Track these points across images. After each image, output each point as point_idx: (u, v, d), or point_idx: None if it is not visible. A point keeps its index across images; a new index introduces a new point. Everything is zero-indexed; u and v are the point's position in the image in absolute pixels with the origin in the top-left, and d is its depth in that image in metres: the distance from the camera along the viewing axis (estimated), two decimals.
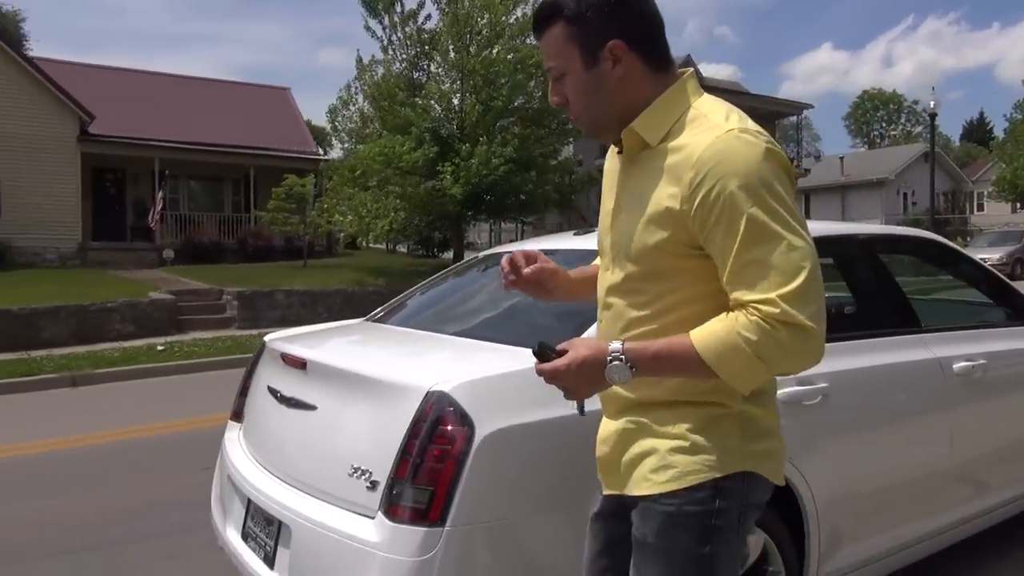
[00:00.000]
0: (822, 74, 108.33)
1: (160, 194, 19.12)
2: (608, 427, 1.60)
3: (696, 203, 1.35)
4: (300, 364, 2.51)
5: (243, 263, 18.67)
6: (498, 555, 1.99)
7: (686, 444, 1.46)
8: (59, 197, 18.55)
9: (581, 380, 1.39)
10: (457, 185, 15.46)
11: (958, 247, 3.47)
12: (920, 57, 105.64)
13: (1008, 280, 3.66)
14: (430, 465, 1.98)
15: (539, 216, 18.96)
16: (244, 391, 3.12)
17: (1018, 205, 40.52)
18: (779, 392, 2.46)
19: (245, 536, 2.61)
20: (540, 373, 1.42)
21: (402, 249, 26.86)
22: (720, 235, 1.34)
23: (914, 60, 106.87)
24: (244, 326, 13.54)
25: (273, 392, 2.64)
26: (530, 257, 1.74)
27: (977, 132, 68.28)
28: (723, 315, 1.37)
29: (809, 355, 1.36)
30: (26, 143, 18.02)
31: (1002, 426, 3.31)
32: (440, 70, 17.86)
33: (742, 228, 1.32)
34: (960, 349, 3.15)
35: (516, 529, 2.02)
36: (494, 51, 16.51)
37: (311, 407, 2.40)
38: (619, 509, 1.60)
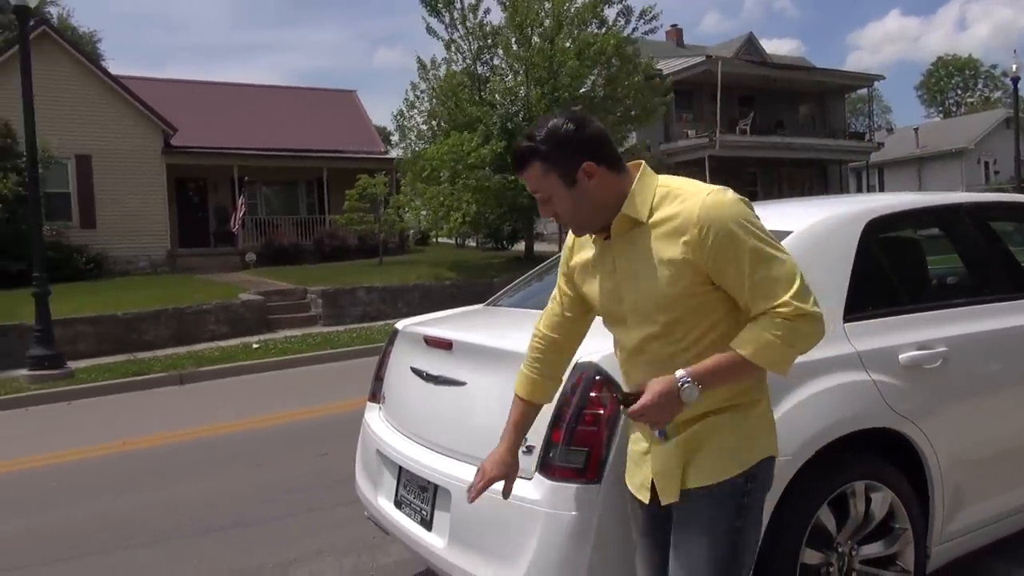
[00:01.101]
0: (891, 43, 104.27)
1: (241, 199, 19.91)
2: (657, 452, 1.85)
3: (707, 249, 1.69)
4: (446, 345, 2.74)
5: (320, 263, 19.30)
6: None
7: (728, 443, 1.80)
8: (148, 207, 19.51)
9: (663, 409, 1.70)
10: None
11: None
12: (997, 17, 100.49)
13: None
14: (584, 429, 2.17)
15: None
16: (379, 375, 3.37)
17: None
18: (901, 357, 2.59)
19: (398, 504, 2.86)
20: (631, 416, 1.74)
21: (471, 243, 27.23)
22: (732, 267, 1.69)
23: (990, 21, 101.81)
24: (329, 323, 14.05)
25: (418, 372, 2.87)
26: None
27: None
28: (749, 325, 1.72)
29: (819, 332, 1.72)
30: (117, 158, 19.02)
31: None
32: (503, 64, 18.05)
33: (747, 258, 1.68)
34: None
35: None
36: (556, 41, 16.60)
37: (460, 383, 2.62)
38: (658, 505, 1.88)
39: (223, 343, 12.23)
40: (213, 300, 13.50)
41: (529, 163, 1.77)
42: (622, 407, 1.75)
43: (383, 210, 18.99)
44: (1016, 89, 21.87)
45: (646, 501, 1.88)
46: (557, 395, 2.20)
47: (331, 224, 21.19)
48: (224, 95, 23.43)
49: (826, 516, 2.41)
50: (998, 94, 62.47)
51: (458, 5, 17.99)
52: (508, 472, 2.05)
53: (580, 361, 2.23)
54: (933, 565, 2.72)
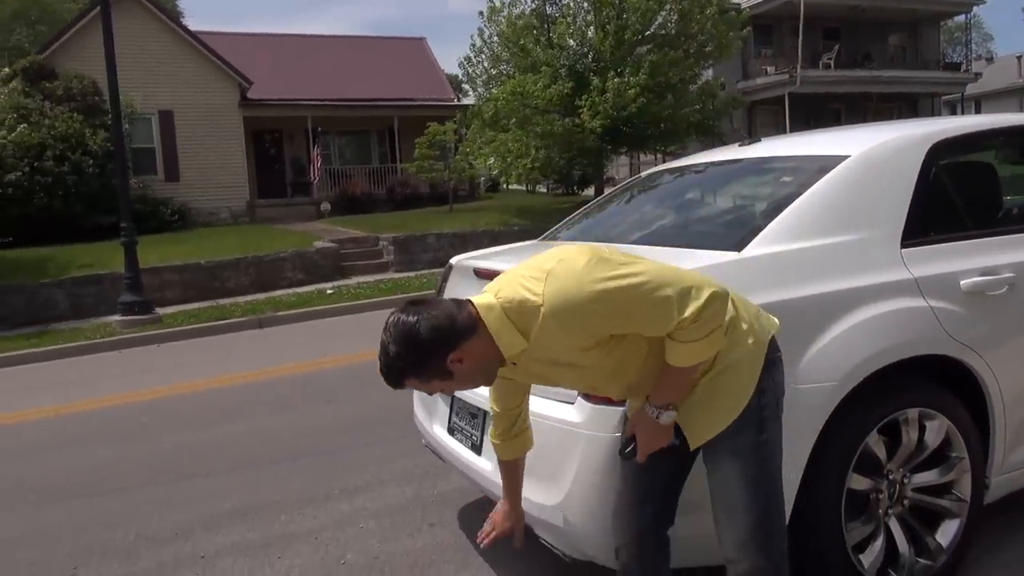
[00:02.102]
0: None
1: (316, 150, 20.29)
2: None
3: (586, 332, 1.75)
4: (494, 276, 2.77)
5: (393, 211, 19.58)
6: None
7: (719, 390, 1.90)
8: (228, 160, 20.11)
9: (658, 438, 1.91)
10: (596, 119, 15.39)
11: None
12: None
13: None
14: None
15: (681, 145, 18.54)
16: None
17: None
18: (963, 283, 2.51)
19: (451, 431, 2.96)
20: (642, 459, 1.93)
21: (542, 189, 27.11)
22: (615, 328, 1.77)
23: None
24: (401, 269, 14.33)
25: None
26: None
27: None
28: (667, 342, 1.79)
29: (721, 303, 1.76)
30: (197, 112, 19.60)
31: None
32: (572, 2, 17.65)
33: (619, 322, 1.74)
34: None
35: None
36: None
37: None
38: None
39: (299, 289, 12.66)
40: (290, 248, 13.92)
41: (404, 380, 1.80)
42: (627, 458, 1.98)
43: (453, 157, 19.06)
44: None
45: (691, 446, 1.98)
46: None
47: (402, 172, 21.40)
48: (296, 47, 23.72)
49: (876, 443, 2.38)
50: None
51: None
52: (516, 523, 2.24)
53: None
54: (992, 496, 2.66)
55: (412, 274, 13.63)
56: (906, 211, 2.55)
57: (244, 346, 9.02)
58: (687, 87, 17.12)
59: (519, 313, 1.74)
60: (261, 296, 12.21)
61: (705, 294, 1.72)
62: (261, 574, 3.15)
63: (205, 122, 19.68)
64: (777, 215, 2.45)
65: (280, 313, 10.59)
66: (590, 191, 22.80)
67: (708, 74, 20.16)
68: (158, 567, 3.30)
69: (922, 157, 2.66)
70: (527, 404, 2.15)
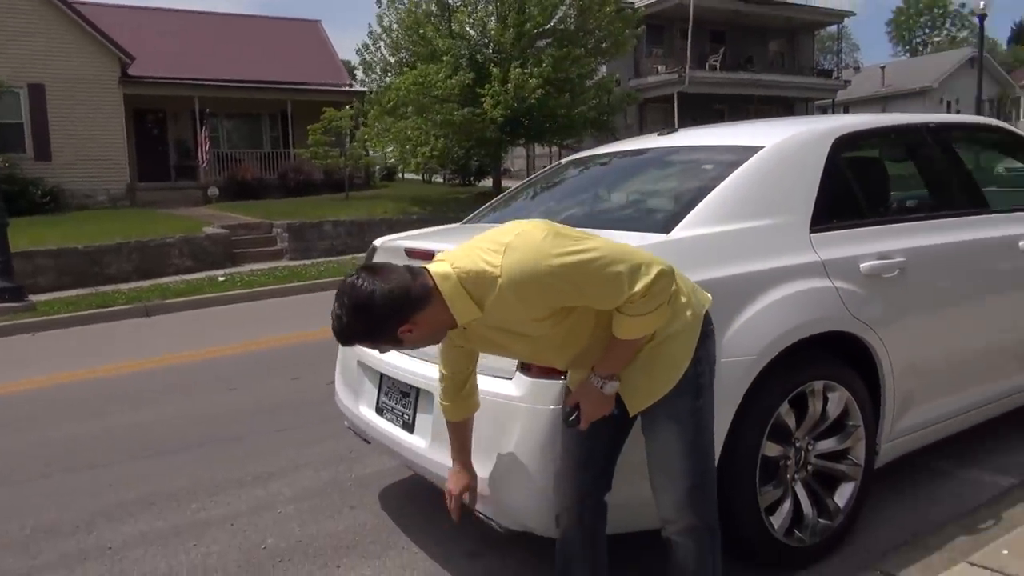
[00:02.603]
0: None
1: (205, 132, 19.42)
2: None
3: (539, 302, 1.81)
4: (428, 255, 2.78)
5: (285, 198, 19.03)
6: None
7: (658, 358, 1.97)
8: (106, 139, 18.92)
9: (600, 407, 1.99)
10: (497, 109, 15.48)
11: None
12: None
13: None
14: None
15: (578, 138, 18.92)
16: None
17: None
18: (862, 266, 2.73)
19: (380, 410, 2.95)
20: (584, 427, 2.01)
21: (438, 179, 27.01)
22: (567, 300, 1.83)
23: None
24: (296, 257, 13.97)
25: None
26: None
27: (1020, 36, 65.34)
28: (615, 315, 1.87)
29: (667, 280, 1.85)
30: (71, 87, 18.31)
31: None
32: None
33: (572, 293, 1.80)
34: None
35: None
36: None
37: None
38: None
39: (188, 277, 12.12)
40: (176, 234, 13.30)
41: (355, 343, 1.89)
42: (570, 426, 2.03)
43: (349, 144, 18.71)
44: (982, 27, 22.03)
45: (631, 413, 2.07)
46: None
47: (296, 158, 20.82)
48: (184, 23, 22.55)
49: (787, 413, 2.57)
50: (964, 33, 62.76)
51: None
52: (470, 483, 2.26)
53: None
54: (881, 460, 2.91)
55: (308, 262, 13.32)
56: (814, 199, 2.75)
57: (130, 335, 8.57)
58: (584, 82, 17.47)
59: (475, 283, 1.78)
60: (146, 283, 11.61)
61: (654, 271, 1.81)
62: (176, 562, 3.04)
63: (81, 98, 18.45)
64: (701, 200, 2.59)
65: (168, 301, 10.11)
66: (487, 182, 22.93)
67: (603, 70, 20.64)
68: (62, 559, 3.12)
69: (827, 150, 2.87)
70: (475, 368, 2.19)
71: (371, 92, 18.52)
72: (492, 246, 1.80)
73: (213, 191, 19.30)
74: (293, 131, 21.29)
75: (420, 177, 26.08)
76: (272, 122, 22.72)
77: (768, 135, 2.95)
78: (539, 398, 2.26)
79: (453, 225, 3.69)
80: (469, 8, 17.52)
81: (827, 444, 2.71)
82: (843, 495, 2.74)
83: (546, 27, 16.64)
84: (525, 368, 2.32)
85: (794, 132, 2.96)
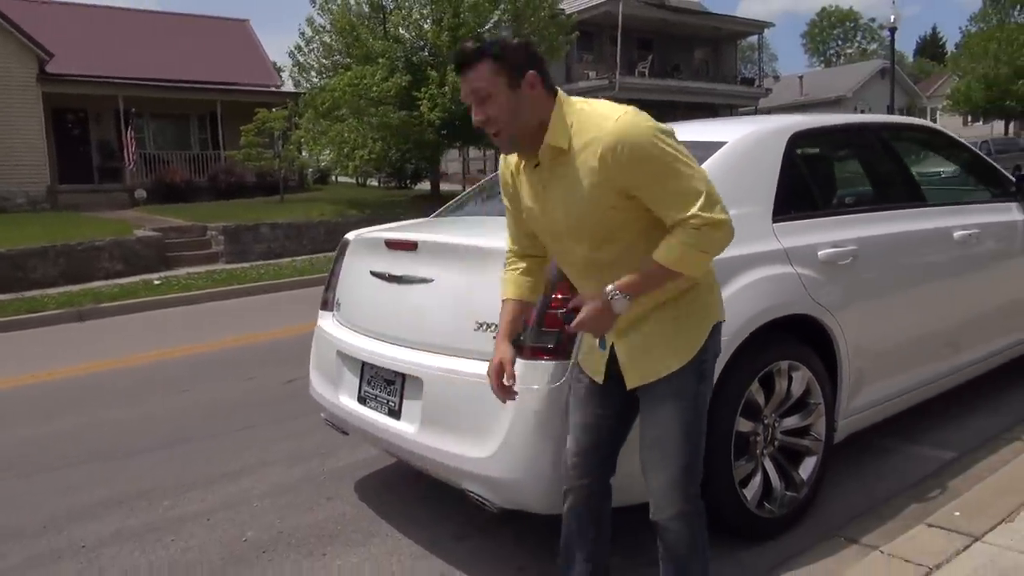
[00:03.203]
0: None
1: (131, 133, 18.80)
2: (618, 344, 2.07)
3: (623, 167, 1.83)
4: (410, 246, 2.87)
5: (217, 200, 18.57)
6: None
7: (677, 331, 2.02)
8: (24, 140, 18.10)
9: (599, 321, 1.94)
10: (435, 111, 15.53)
11: (954, 135, 3.91)
12: None
13: (993, 162, 4.14)
14: (555, 313, 2.37)
15: None
16: (331, 284, 3.46)
17: (969, 119, 41.59)
18: (819, 253, 2.93)
19: (363, 400, 3.00)
20: (572, 330, 1.98)
21: (373, 183, 26.80)
22: (646, 182, 1.86)
23: None
24: (232, 260, 13.68)
25: (379, 275, 2.99)
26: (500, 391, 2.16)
27: (930, 48, 69.19)
28: (667, 237, 1.88)
29: (728, 236, 1.90)
30: None
31: (992, 288, 3.82)
32: None
33: (657, 172, 1.84)
34: (958, 220, 3.64)
35: None
36: None
37: (427, 280, 2.77)
38: (612, 386, 2.11)
39: (120, 281, 11.74)
40: (106, 237, 12.86)
41: (479, 62, 1.87)
42: (564, 325, 1.98)
43: (283, 146, 18.42)
44: (893, 40, 23.24)
45: (628, 386, 2.08)
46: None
47: (227, 160, 20.34)
48: (107, 20, 21.78)
49: (756, 391, 2.74)
50: (874, 46, 65.99)
51: None
52: (512, 356, 2.17)
53: None
54: (839, 436, 3.12)
55: (247, 265, 13.07)
56: (775, 190, 2.94)
57: (67, 339, 8.28)
58: None
59: (582, 122, 1.88)
60: (75, 288, 11.19)
61: (723, 216, 1.86)
62: (155, 556, 3.02)
63: None
64: None
65: (104, 305, 9.79)
66: (423, 185, 22.91)
67: None
68: (32, 559, 3.06)
69: (783, 146, 3.07)
70: (542, 262, 2.23)
71: (305, 94, 18.25)
72: (611, 108, 1.89)
73: (140, 194, 18.69)
74: (223, 132, 20.79)
75: (355, 180, 25.83)
76: (201, 123, 22.14)
77: (729, 131, 3.13)
78: (531, 378, 2.36)
79: (424, 219, 3.76)
80: (403, 11, 17.50)
81: (791, 421, 2.90)
82: (807, 468, 2.93)
83: (481, 31, 16.76)
84: (516, 350, 2.41)
85: (753, 129, 3.14)
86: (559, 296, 2.37)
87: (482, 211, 3.61)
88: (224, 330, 7.95)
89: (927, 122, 3.99)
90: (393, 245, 2.96)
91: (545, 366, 2.36)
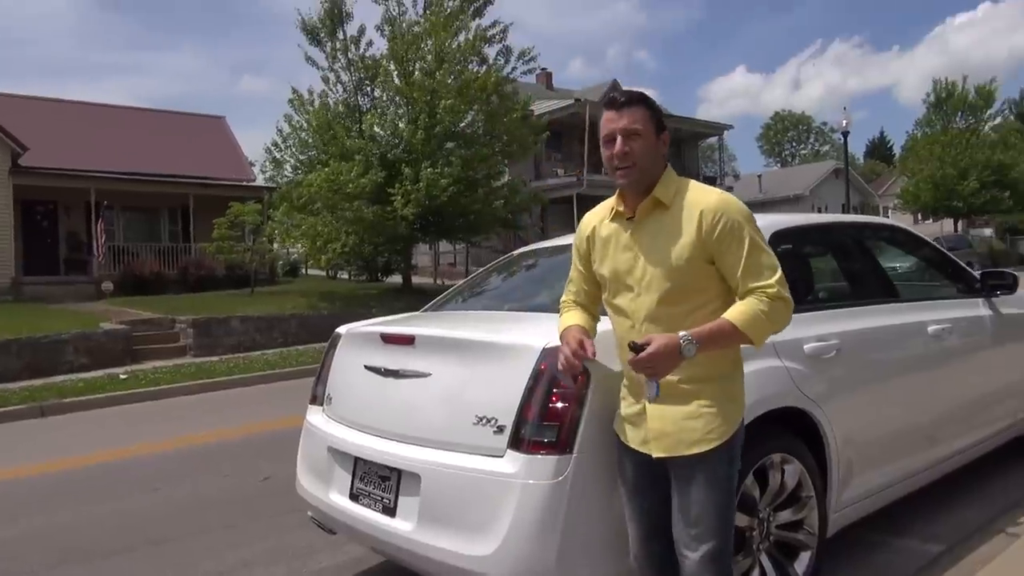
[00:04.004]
0: (736, 97, 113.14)
1: (101, 225, 18.76)
2: (656, 409, 2.18)
3: (716, 232, 2.09)
4: (407, 340, 2.89)
5: (186, 293, 18.45)
6: (614, 473, 2.39)
7: (717, 411, 2.14)
8: None
9: (665, 360, 2.01)
10: (408, 207, 15.80)
11: (921, 235, 4.12)
12: (827, 79, 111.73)
13: (958, 260, 4.34)
14: (556, 406, 2.40)
15: (486, 236, 19.43)
16: (321, 378, 3.45)
17: (920, 216, 43.34)
18: (805, 347, 3.01)
19: (355, 497, 2.95)
20: (637, 362, 2.01)
21: (343, 275, 26.86)
22: (733, 250, 2.09)
23: (821, 82, 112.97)
24: (200, 353, 13.47)
25: (375, 369, 3.00)
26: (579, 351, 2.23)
27: (879, 150, 72.66)
28: (740, 302, 2.08)
29: (790, 315, 2.12)
30: None
31: (967, 380, 3.93)
32: (384, 96, 18.20)
33: (747, 244, 2.09)
34: (931, 315, 3.78)
35: None
36: (437, 76, 16.95)
37: (424, 375, 2.78)
38: (654, 461, 2.20)
39: (85, 375, 11.47)
40: (71, 330, 12.64)
41: (637, 106, 2.16)
42: (632, 353, 2.00)
43: (256, 239, 18.50)
44: (846, 142, 24.44)
45: (653, 454, 2.17)
46: (527, 377, 2.44)
47: (197, 253, 20.34)
48: (81, 115, 22.11)
49: (752, 485, 2.76)
50: (827, 148, 69.19)
51: (340, 35, 18.03)
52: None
53: (548, 347, 2.47)
54: (831, 530, 3.12)
55: (215, 358, 12.87)
56: None
57: (28, 436, 8.01)
58: (491, 182, 18.13)
59: (686, 188, 2.17)
60: (37, 382, 10.89)
61: (790, 297, 2.09)
62: None
63: None
64: None
65: (67, 400, 9.53)
66: (395, 278, 23.01)
67: (506, 174, 21.46)
68: None
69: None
70: (591, 317, 2.39)
71: (279, 188, 18.49)
72: (711, 187, 2.22)
73: (108, 286, 18.48)
74: (195, 225, 20.86)
75: (325, 273, 25.88)
76: (172, 216, 22.23)
77: None
78: (535, 473, 2.36)
79: (415, 313, 3.80)
80: (378, 111, 18.02)
81: (785, 515, 2.91)
82: (802, 564, 2.92)
83: (455, 130, 17.29)
84: (516, 444, 2.43)
85: None
86: (561, 389, 2.41)
87: (472, 306, 3.68)
88: (194, 426, 7.78)
89: (898, 223, 4.20)
90: (389, 339, 2.99)
91: (546, 460, 2.36)
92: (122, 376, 11.12)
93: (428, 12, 17.71)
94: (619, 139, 2.14)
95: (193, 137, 23.42)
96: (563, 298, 2.46)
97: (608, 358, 2.47)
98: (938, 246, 4.24)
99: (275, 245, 19.79)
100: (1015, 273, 4.27)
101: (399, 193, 15.87)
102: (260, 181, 22.08)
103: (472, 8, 17.70)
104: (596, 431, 2.41)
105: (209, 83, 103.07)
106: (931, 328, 3.69)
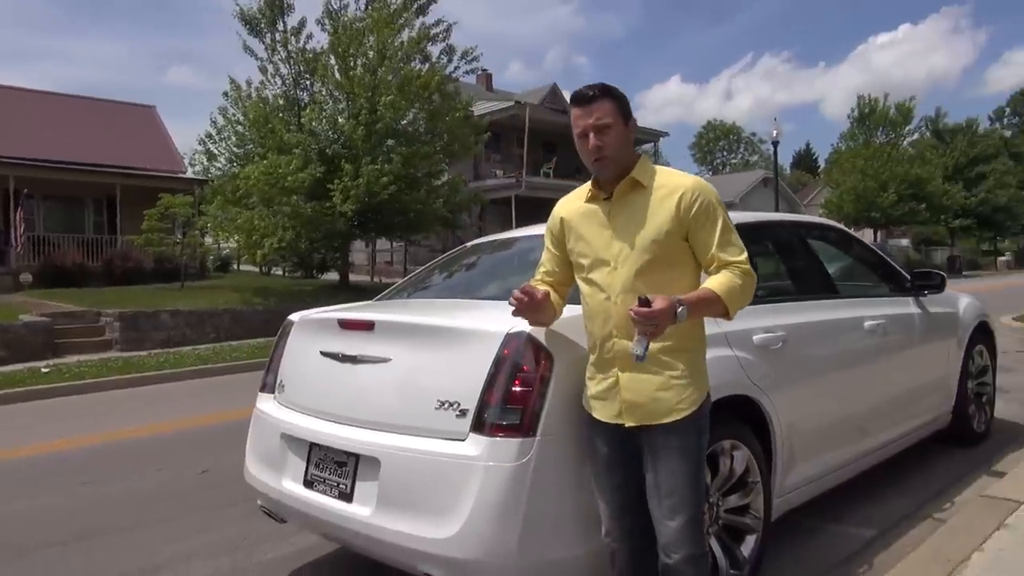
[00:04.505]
0: (671, 105, 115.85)
1: (20, 214, 17.91)
2: (629, 380, 2.26)
3: (694, 210, 2.22)
4: (366, 326, 2.88)
5: (111, 286, 17.75)
6: (577, 456, 2.45)
7: (687, 382, 2.25)
8: None
9: (663, 320, 2.06)
10: (348, 203, 15.59)
11: (857, 235, 4.31)
12: (757, 92, 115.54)
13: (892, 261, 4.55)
14: (520, 390, 2.43)
15: (426, 235, 19.32)
16: (272, 367, 3.39)
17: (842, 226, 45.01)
18: (754, 338, 3.11)
19: (309, 483, 2.91)
20: (646, 315, 2.04)
21: (277, 272, 26.30)
22: (708, 227, 2.24)
23: (752, 94, 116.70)
24: (128, 348, 13.03)
25: (331, 355, 2.97)
26: (532, 291, 2.34)
27: (805, 161, 75.30)
28: (717, 275, 2.22)
29: (752, 291, 2.28)
30: None
31: (899, 374, 4.13)
32: (324, 91, 17.91)
33: (720, 223, 2.25)
34: (867, 311, 3.96)
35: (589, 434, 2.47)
36: (379, 72, 16.78)
37: (384, 360, 2.77)
38: (626, 436, 2.29)
39: (3, 368, 10.94)
40: None
41: (603, 99, 2.24)
42: (638, 306, 2.04)
43: (187, 232, 17.96)
44: (776, 152, 25.25)
45: (627, 424, 2.25)
46: (490, 362, 2.46)
47: (124, 245, 19.61)
48: (4, 100, 21.04)
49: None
50: (755, 157, 71.27)
51: (280, 27, 17.67)
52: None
53: (511, 331, 2.49)
54: (774, 515, 3.24)
55: (144, 353, 12.45)
56: None
57: None
58: (432, 181, 18.04)
59: (660, 173, 2.29)
60: None
61: (753, 272, 2.27)
62: None
63: None
64: None
65: None
66: (331, 275, 22.68)
67: (447, 172, 21.39)
68: None
69: None
70: (558, 299, 2.47)
71: (213, 180, 17.98)
72: (683, 173, 2.34)
73: (26, 277, 17.64)
74: (122, 217, 20.11)
75: (258, 269, 25.29)
76: (98, 207, 21.35)
77: None
78: (498, 456, 2.38)
79: (368, 302, 3.77)
80: (318, 106, 17.72)
81: (733, 499, 3.00)
82: (748, 546, 3.02)
83: (397, 127, 17.14)
84: (479, 427, 2.45)
85: None
86: (524, 370, 2.44)
87: (425, 296, 3.67)
88: (124, 420, 7.51)
89: (836, 224, 4.39)
90: (347, 325, 2.96)
91: (509, 443, 2.39)
92: (44, 370, 10.66)
93: (371, 8, 17.52)
94: (591, 136, 2.23)
95: (121, 126, 22.58)
96: (532, 279, 2.50)
97: (571, 343, 2.52)
98: (873, 247, 4.44)
99: (207, 239, 19.25)
100: (943, 273, 4.51)
101: (338, 189, 15.65)
102: (191, 174, 21.46)
103: (416, 5, 17.60)
104: (560, 414, 2.45)
105: (135, 73, 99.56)
106: (867, 324, 3.87)
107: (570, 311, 2.52)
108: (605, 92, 2.25)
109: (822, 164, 54.44)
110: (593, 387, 2.34)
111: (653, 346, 2.12)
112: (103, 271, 19.05)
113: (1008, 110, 67.31)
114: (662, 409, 2.22)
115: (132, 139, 22.18)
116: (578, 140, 2.29)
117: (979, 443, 4.99)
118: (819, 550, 3.48)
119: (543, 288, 2.41)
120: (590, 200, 2.36)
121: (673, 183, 2.26)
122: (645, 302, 2.04)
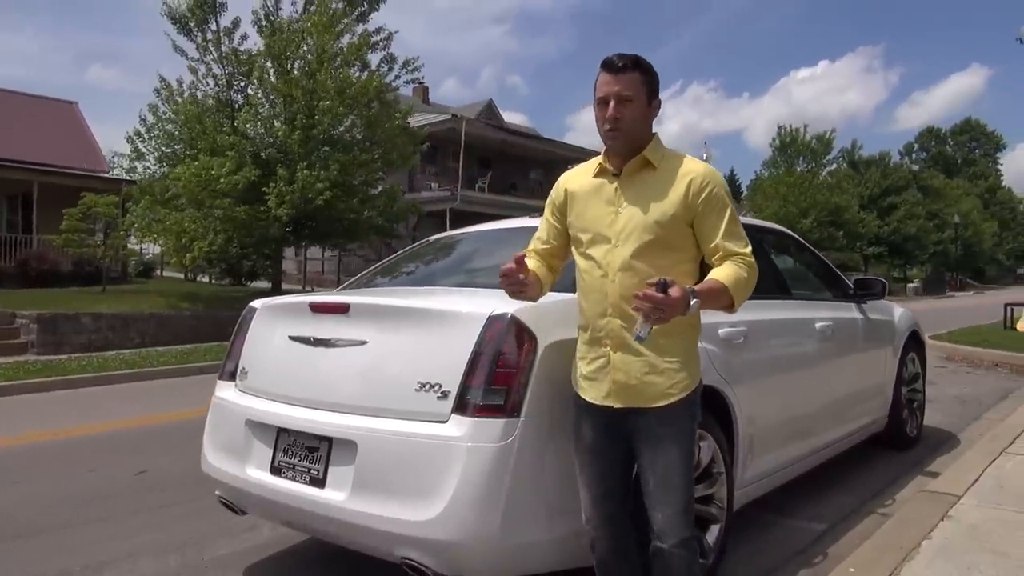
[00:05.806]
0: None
1: None
2: (620, 361, 2.23)
3: (703, 196, 2.21)
4: (341, 309, 2.82)
5: (25, 288, 16.89)
6: (561, 436, 2.45)
7: (679, 367, 2.24)
8: None
9: (675, 308, 2.00)
10: (282, 208, 15.26)
11: (806, 243, 4.49)
12: (685, 118, 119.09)
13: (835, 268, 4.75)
14: (504, 371, 2.43)
15: (361, 243, 19.06)
16: (232, 354, 3.29)
17: None
18: (720, 332, 3.20)
19: (276, 470, 2.83)
20: (657, 300, 1.95)
21: (203, 278, 25.49)
22: (714, 216, 2.22)
23: (680, 120, 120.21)
24: (46, 351, 12.37)
25: (302, 339, 2.90)
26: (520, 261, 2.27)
27: (730, 187, 77.53)
28: (723, 266, 2.19)
29: (751, 279, 2.24)
30: None
31: (845, 375, 4.30)
32: (259, 94, 17.53)
33: (728, 213, 2.23)
34: (817, 313, 4.11)
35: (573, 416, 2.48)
36: (317, 77, 16.53)
37: (359, 343, 2.72)
38: (613, 419, 2.27)
39: None
40: None
41: (633, 71, 2.21)
42: (656, 290, 1.95)
43: (110, 233, 17.24)
44: None
45: (615, 405, 2.23)
46: (473, 343, 2.46)
47: (41, 245, 18.69)
48: None
49: None
50: None
51: (212, 26, 17.25)
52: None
53: (494, 313, 2.50)
54: (735, 506, 3.32)
55: (64, 357, 11.85)
56: None
57: None
58: (368, 189, 17.84)
59: (672, 155, 2.28)
60: None
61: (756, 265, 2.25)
62: None
63: None
64: None
65: None
66: (261, 283, 22.11)
67: (385, 180, 21.19)
68: None
69: None
70: (548, 273, 2.45)
71: (141, 181, 17.32)
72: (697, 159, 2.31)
73: None
74: (38, 216, 19.17)
75: (184, 275, 24.46)
76: (12, 204, 20.34)
77: None
78: (481, 436, 2.37)
79: (336, 289, 3.70)
80: (253, 108, 17.33)
81: (699, 488, 3.04)
82: (712, 535, 3.08)
83: (334, 132, 16.90)
84: (461, 408, 2.43)
85: None
86: (508, 352, 2.44)
87: (396, 284, 3.64)
88: (47, 422, 7.13)
89: (787, 229, 4.56)
90: (319, 308, 2.91)
91: (493, 424, 2.38)
92: None
93: (310, 11, 17.28)
94: (612, 103, 2.20)
95: (40, 121, 21.58)
96: (527, 247, 2.48)
97: (556, 325, 2.54)
98: (820, 255, 4.62)
99: (132, 240, 18.51)
100: (883, 280, 4.73)
101: (273, 193, 15.30)
102: (127, 174, 20.64)
103: (356, 12, 17.46)
104: (545, 395, 2.46)
105: (54, 70, 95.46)
106: (818, 324, 4.02)
107: (555, 297, 2.53)
108: (636, 65, 2.22)
109: (745, 191, 56.26)
110: (583, 367, 2.31)
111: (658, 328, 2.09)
112: (17, 272, 18.11)
113: (916, 146, 71.34)
114: (652, 393, 2.20)
115: (52, 135, 21.23)
116: (597, 105, 2.24)
117: (911, 447, 5.23)
118: (776, 542, 3.57)
119: (531, 262, 2.38)
120: (598, 175, 2.32)
121: (685, 167, 2.24)
122: (663, 287, 1.96)
